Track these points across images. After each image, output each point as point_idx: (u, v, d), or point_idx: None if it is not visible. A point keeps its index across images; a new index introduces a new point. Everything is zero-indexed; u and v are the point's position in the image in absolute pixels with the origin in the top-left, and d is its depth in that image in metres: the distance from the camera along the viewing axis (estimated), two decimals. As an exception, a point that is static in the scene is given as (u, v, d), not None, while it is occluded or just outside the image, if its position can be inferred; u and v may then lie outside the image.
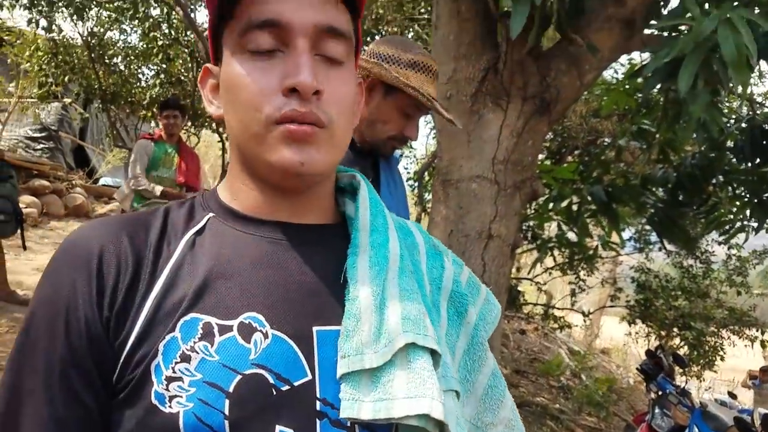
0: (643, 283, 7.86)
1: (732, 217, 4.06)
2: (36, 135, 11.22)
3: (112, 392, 0.62)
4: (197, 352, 0.60)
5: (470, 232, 2.59)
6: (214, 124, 9.17)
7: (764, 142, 3.54)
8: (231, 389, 0.59)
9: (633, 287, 8.07)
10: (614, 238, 4.64)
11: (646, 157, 4.14)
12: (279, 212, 0.71)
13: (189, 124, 9.08)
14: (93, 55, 8.33)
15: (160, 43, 8.08)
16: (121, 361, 0.61)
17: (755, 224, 3.86)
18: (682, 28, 2.41)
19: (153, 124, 10.05)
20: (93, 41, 8.43)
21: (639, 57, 4.65)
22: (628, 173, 4.41)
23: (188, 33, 7.78)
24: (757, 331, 8.14)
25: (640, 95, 3.81)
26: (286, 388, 0.61)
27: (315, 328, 0.65)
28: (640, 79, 3.35)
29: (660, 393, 4.34)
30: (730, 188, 4.06)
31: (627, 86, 3.88)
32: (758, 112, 4.06)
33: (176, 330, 0.61)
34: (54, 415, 0.60)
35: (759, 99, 6.16)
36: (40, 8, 6.65)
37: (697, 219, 4.57)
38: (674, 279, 7.95)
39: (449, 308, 0.79)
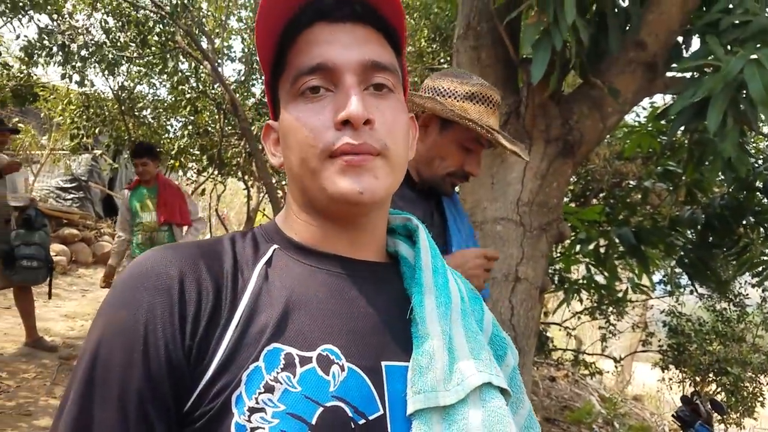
0: (675, 327, 7.65)
1: (765, 258, 3.96)
2: (66, 185, 11.53)
3: (181, 422, 0.60)
4: (280, 383, 0.60)
5: (497, 275, 2.57)
6: (239, 173, 9.33)
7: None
8: (314, 421, 0.59)
9: (665, 332, 7.86)
10: (644, 281, 4.55)
11: (673, 198, 4.09)
12: (338, 248, 0.73)
13: (216, 172, 9.26)
14: (123, 107, 8.61)
15: (188, 95, 8.34)
16: (198, 390, 0.60)
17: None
18: (706, 69, 2.41)
19: (181, 173, 10.27)
20: (123, 95, 8.72)
21: (662, 99, 4.65)
22: (656, 215, 4.35)
23: (215, 86, 8.00)
24: (797, 376, 7.82)
25: (663, 137, 3.79)
26: (362, 421, 0.61)
27: (383, 363, 0.66)
28: (663, 121, 3.35)
29: (699, 442, 4.15)
30: (761, 229, 3.97)
31: (650, 128, 3.87)
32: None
33: (260, 359, 0.61)
34: None
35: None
36: (73, 63, 6.93)
37: (728, 261, 4.46)
38: (707, 323, 7.72)
39: (491, 350, 0.80)
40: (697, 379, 7.61)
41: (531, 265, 2.60)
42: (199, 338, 0.61)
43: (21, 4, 6.02)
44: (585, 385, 9.33)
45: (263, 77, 0.77)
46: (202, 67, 7.86)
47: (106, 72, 7.72)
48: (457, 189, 1.90)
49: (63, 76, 7.04)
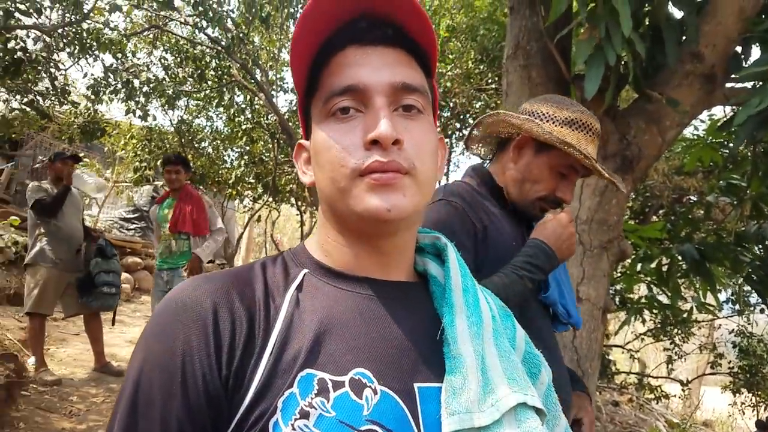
0: (745, 348, 7.29)
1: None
2: (129, 216, 12.02)
3: None
4: (315, 408, 0.60)
5: (556, 295, 2.52)
6: (293, 199, 9.52)
7: None
8: None
9: (735, 353, 7.50)
10: (709, 299, 4.37)
11: (737, 213, 3.94)
12: (369, 269, 0.73)
13: (270, 199, 9.48)
14: (183, 140, 8.96)
15: (243, 126, 8.61)
16: (237, 419, 0.61)
17: None
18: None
19: (238, 201, 10.55)
20: (183, 128, 9.07)
21: (721, 111, 4.51)
22: (720, 231, 4.20)
23: (269, 116, 8.24)
24: None
25: (725, 150, 3.68)
26: None
27: (416, 385, 0.66)
28: (725, 133, 3.25)
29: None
30: (836, 242, 3.78)
31: (710, 141, 3.76)
32: None
33: (294, 386, 0.61)
34: None
35: None
36: (136, 99, 7.27)
37: (801, 277, 4.25)
38: (781, 343, 7.33)
39: (524, 368, 0.79)
40: (773, 403, 7.21)
41: (592, 284, 2.55)
42: (235, 367, 0.62)
43: (88, 45, 6.38)
44: (650, 410, 8.96)
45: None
46: (256, 98, 8.11)
47: (166, 106, 8.07)
48: None
49: (127, 112, 7.39)
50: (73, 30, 6.27)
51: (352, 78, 0.69)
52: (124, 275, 8.86)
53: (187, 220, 4.71)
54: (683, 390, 8.37)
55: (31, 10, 5.26)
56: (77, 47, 6.29)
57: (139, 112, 7.45)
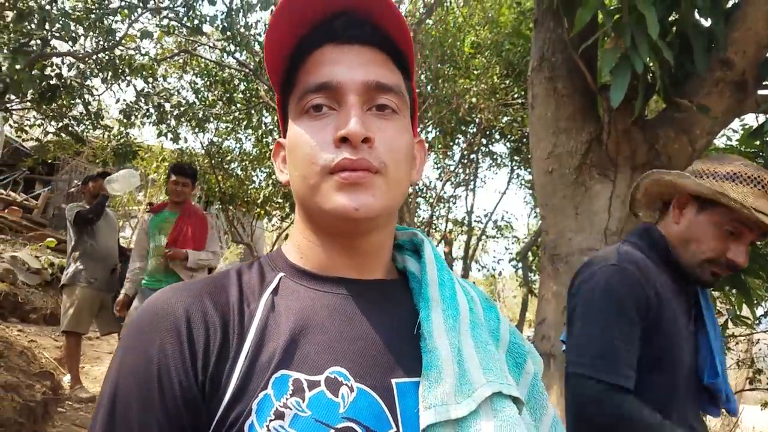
0: (787, 364, 7.06)
1: None
2: (162, 237, 12.19)
3: None
4: (290, 408, 0.60)
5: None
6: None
7: None
8: None
9: (775, 369, 7.27)
10: (745, 312, 4.26)
11: (774, 222, 3.84)
12: (344, 269, 0.73)
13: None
14: (213, 161, 9.11)
15: (271, 147, 8.72)
16: (215, 423, 0.60)
17: None
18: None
19: (266, 220, 10.67)
20: (213, 149, 9.24)
21: (754, 119, 4.43)
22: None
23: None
24: None
25: (759, 159, 3.60)
26: None
27: (394, 380, 0.66)
28: (758, 141, 3.19)
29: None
30: None
31: (743, 149, 3.69)
32: None
33: (269, 387, 0.61)
34: None
35: None
36: (167, 122, 7.45)
37: (843, 288, 4.12)
38: (824, 358, 7.09)
39: (508, 359, 0.79)
40: (818, 421, 6.95)
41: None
42: (210, 373, 0.62)
43: (120, 70, 6.58)
44: (689, 428, 8.71)
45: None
46: (284, 118, 8.22)
47: (197, 129, 8.24)
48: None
49: (159, 134, 7.57)
50: (106, 56, 6.48)
51: (326, 75, 0.69)
52: (156, 295, 8.99)
53: (188, 239, 4.39)
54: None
55: (66, 38, 5.45)
56: (110, 73, 6.50)
57: (170, 135, 7.63)
